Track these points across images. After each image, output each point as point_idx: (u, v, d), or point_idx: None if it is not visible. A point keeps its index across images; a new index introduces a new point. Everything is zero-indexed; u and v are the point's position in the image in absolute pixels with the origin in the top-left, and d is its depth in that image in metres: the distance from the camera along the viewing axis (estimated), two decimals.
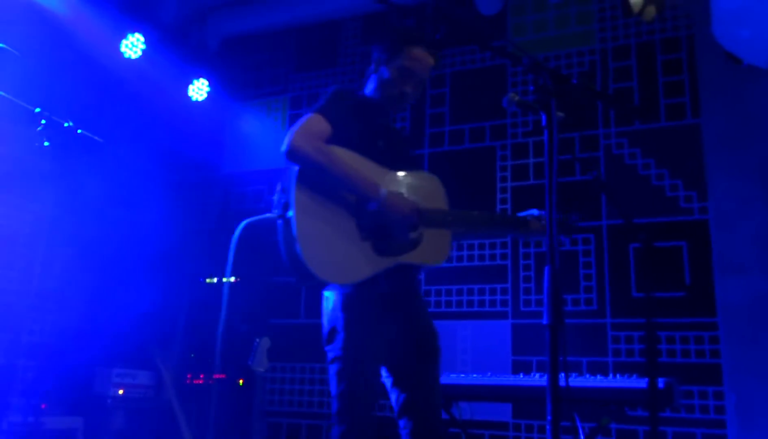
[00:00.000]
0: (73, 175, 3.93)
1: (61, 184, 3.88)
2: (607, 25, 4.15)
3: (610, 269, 3.79)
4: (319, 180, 1.95)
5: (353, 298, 2.00)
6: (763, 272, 3.39)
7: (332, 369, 1.99)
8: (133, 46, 4.39)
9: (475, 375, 2.92)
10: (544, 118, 1.62)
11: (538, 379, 2.78)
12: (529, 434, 3.74)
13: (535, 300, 3.93)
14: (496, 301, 4.01)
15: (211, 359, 3.84)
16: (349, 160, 1.99)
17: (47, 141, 2.73)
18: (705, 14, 3.54)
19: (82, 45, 4.15)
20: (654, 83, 3.93)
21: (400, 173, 2.12)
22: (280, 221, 1.96)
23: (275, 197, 2.00)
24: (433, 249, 2.09)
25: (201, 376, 4.26)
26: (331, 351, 2.01)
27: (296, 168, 1.94)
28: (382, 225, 1.99)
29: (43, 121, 2.73)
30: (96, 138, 2.78)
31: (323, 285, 2.03)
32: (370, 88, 2.22)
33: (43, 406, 3.59)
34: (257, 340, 3.40)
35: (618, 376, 2.69)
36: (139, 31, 4.39)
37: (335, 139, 2.00)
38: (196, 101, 4.80)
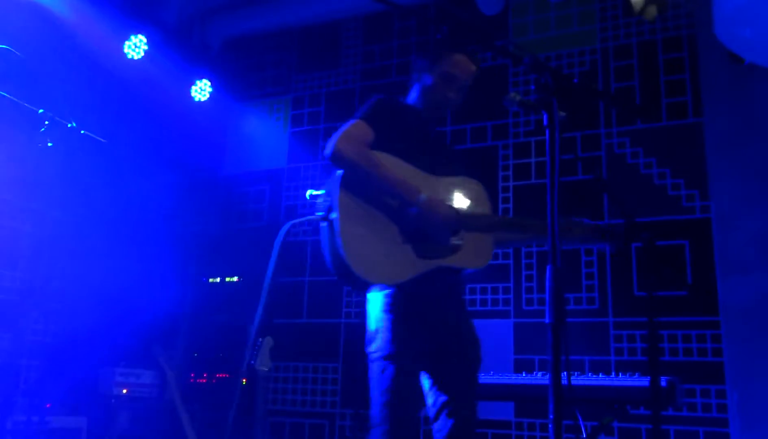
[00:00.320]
0: (76, 175, 3.94)
1: (65, 184, 3.89)
2: (609, 25, 4.15)
3: (612, 268, 3.79)
4: (361, 184, 1.99)
5: (397, 300, 2.03)
6: (765, 271, 3.39)
7: (375, 370, 2.02)
8: (135, 47, 4.40)
9: None
10: (545, 117, 1.63)
11: (540, 378, 2.79)
12: (532, 432, 3.74)
13: (537, 299, 3.93)
14: (498, 300, 4.02)
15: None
16: (391, 165, 2.03)
17: (51, 142, 2.74)
18: (706, 13, 3.54)
19: (85, 46, 4.16)
20: (656, 82, 3.93)
21: (442, 178, 2.14)
22: (324, 223, 2.00)
23: (319, 200, 2.04)
24: (474, 253, 2.10)
25: (204, 375, 4.27)
26: (375, 352, 2.04)
27: (340, 172, 1.99)
28: (423, 229, 2.01)
29: (46, 122, 2.74)
30: (99, 139, 2.80)
31: (366, 286, 2.07)
32: (413, 96, 2.28)
33: (47, 405, 3.60)
34: (260, 339, 3.41)
35: (620, 375, 2.69)
36: (141, 32, 4.40)
37: (378, 145, 2.05)
38: (199, 102, 4.81)
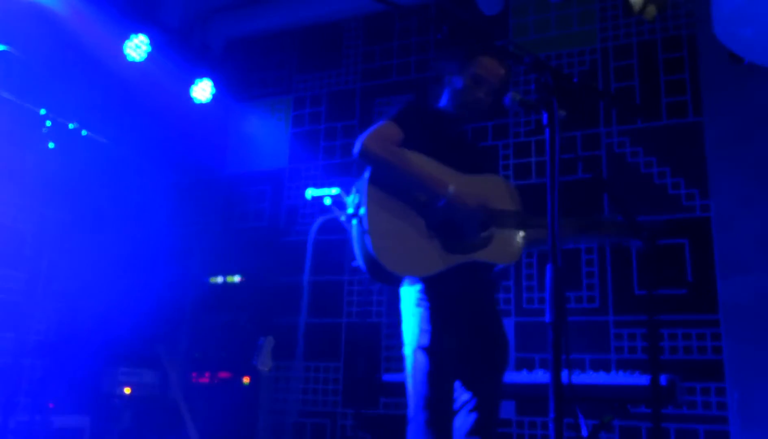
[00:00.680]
0: (78, 175, 3.96)
1: (67, 184, 3.90)
2: (609, 25, 4.16)
3: (613, 266, 3.80)
4: (390, 180, 2.03)
5: (428, 293, 2.05)
6: (765, 269, 3.39)
7: (411, 362, 2.03)
8: (137, 47, 4.40)
9: None
10: (545, 116, 1.64)
11: (541, 376, 2.80)
12: (533, 430, 3.75)
13: (538, 298, 3.94)
14: (498, 298, 4.03)
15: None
16: (420, 162, 2.06)
17: (52, 142, 2.76)
18: (706, 13, 3.54)
19: (87, 47, 4.17)
20: (655, 82, 3.94)
21: (472, 176, 2.16)
22: (354, 220, 2.03)
23: (349, 199, 2.08)
24: (503, 249, 2.11)
25: (206, 375, 4.28)
26: (409, 345, 2.06)
27: (368, 169, 2.04)
28: (451, 222, 2.04)
29: (48, 123, 2.76)
30: (101, 139, 2.81)
31: (396, 281, 2.10)
32: (443, 101, 2.30)
33: (50, 405, 3.61)
34: (262, 339, 3.42)
35: (621, 373, 2.70)
36: (143, 33, 4.40)
37: (408, 145, 2.08)
38: (200, 102, 4.82)
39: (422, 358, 2.00)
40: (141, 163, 4.52)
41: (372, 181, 2.02)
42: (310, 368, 4.44)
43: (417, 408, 1.99)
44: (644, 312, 3.62)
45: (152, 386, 4.12)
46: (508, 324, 3.97)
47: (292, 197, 4.82)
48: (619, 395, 2.62)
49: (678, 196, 3.75)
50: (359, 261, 2.05)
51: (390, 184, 2.03)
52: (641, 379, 2.60)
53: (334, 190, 2.57)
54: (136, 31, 4.38)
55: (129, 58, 4.37)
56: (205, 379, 4.26)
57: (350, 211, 2.06)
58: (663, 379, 2.51)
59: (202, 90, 4.78)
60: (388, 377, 3.17)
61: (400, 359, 2.15)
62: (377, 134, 2.06)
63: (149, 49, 4.41)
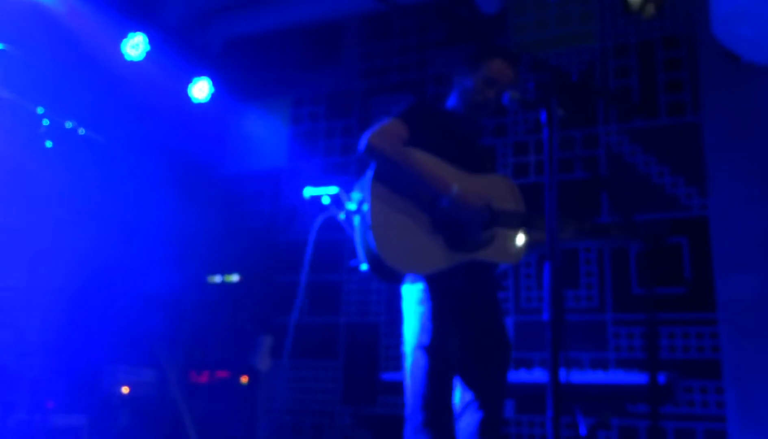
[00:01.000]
0: (76, 175, 3.95)
1: (65, 183, 3.90)
2: (607, 24, 4.16)
3: (611, 265, 3.80)
4: (394, 177, 2.04)
5: (430, 292, 2.05)
6: (763, 268, 3.40)
7: (410, 361, 2.04)
8: (135, 47, 4.40)
9: None
10: (544, 115, 1.64)
11: (539, 375, 2.80)
12: (532, 429, 3.76)
13: (536, 296, 3.95)
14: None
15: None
16: (425, 160, 2.07)
17: (50, 141, 2.75)
18: (704, 12, 3.55)
19: (85, 46, 4.17)
20: (654, 81, 3.94)
21: (477, 176, 2.16)
22: (357, 216, 2.04)
23: (353, 195, 2.08)
24: (506, 249, 2.12)
25: (204, 374, 4.28)
26: (409, 344, 2.06)
27: (373, 166, 2.04)
28: (455, 221, 2.04)
29: (45, 122, 2.75)
30: (98, 138, 2.81)
31: (397, 278, 2.10)
32: (451, 101, 2.31)
33: (49, 404, 3.61)
34: (260, 338, 3.43)
35: (619, 371, 2.71)
36: (142, 32, 4.40)
37: (413, 144, 2.08)
38: (199, 102, 4.81)
39: (422, 357, 2.00)
40: (139, 163, 4.51)
41: (376, 177, 2.03)
42: (309, 367, 4.44)
43: (415, 408, 1.99)
44: (643, 311, 3.62)
45: (151, 385, 4.12)
46: (507, 323, 3.97)
47: (291, 197, 4.81)
48: (618, 393, 2.63)
49: (676, 195, 3.75)
50: (361, 257, 2.05)
51: (394, 182, 2.04)
52: (639, 378, 2.60)
53: (333, 190, 2.57)
54: (135, 30, 4.37)
55: (127, 57, 4.37)
56: (203, 378, 4.26)
57: (353, 207, 2.06)
58: (661, 378, 2.52)
59: (200, 89, 4.78)
60: (386, 376, 3.17)
61: (399, 358, 2.15)
62: (383, 131, 2.06)
63: (147, 48, 4.41)
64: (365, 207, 1.99)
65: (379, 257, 1.95)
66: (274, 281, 4.60)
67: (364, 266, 2.06)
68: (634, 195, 3.82)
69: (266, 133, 5.01)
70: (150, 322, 4.26)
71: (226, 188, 5.05)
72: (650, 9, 3.58)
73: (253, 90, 5.12)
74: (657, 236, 2.14)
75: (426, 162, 2.06)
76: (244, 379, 4.11)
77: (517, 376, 2.84)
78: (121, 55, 4.37)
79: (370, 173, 2.04)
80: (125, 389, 3.98)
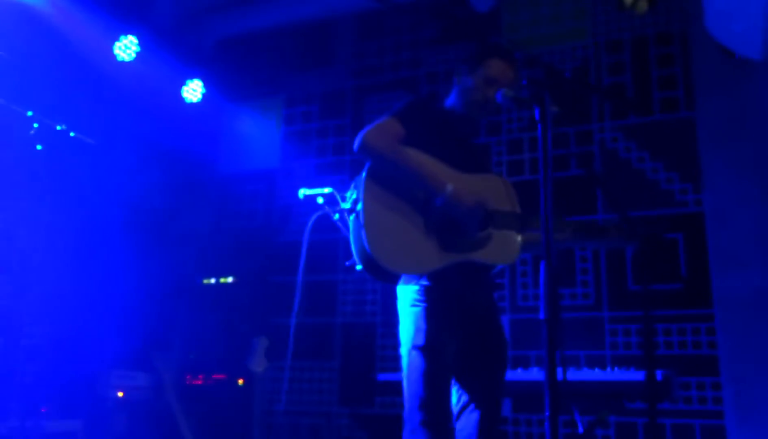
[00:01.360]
0: (68, 177, 3.92)
1: (57, 187, 3.87)
2: (600, 20, 4.15)
3: (607, 262, 3.80)
4: (388, 175, 2.03)
5: (425, 293, 2.04)
6: (759, 263, 3.40)
7: (407, 362, 2.03)
8: (126, 48, 4.37)
9: None
10: (538, 113, 1.63)
11: (536, 373, 2.79)
12: (529, 428, 3.75)
13: (533, 295, 3.94)
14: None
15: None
16: (420, 160, 2.05)
17: (40, 144, 2.73)
18: (698, 8, 3.55)
19: (76, 47, 4.14)
20: (647, 77, 3.94)
21: (472, 175, 2.15)
22: (351, 216, 2.03)
23: (348, 194, 2.07)
24: (501, 249, 2.10)
25: (200, 377, 4.26)
26: (404, 345, 2.05)
27: (367, 165, 2.03)
28: (449, 220, 2.03)
29: (35, 125, 2.73)
30: (89, 140, 2.78)
31: (391, 278, 2.09)
32: (450, 100, 2.30)
33: (42, 409, 3.58)
34: (255, 340, 3.40)
35: (616, 369, 2.70)
36: (132, 33, 4.37)
37: (409, 143, 2.07)
38: (191, 103, 4.79)
39: (417, 357, 1.99)
40: (132, 164, 4.48)
41: (370, 176, 2.02)
42: (305, 368, 4.42)
43: (412, 409, 1.98)
44: (639, 308, 3.62)
45: (145, 389, 4.09)
46: (503, 321, 3.96)
47: (284, 197, 4.79)
48: (615, 391, 2.62)
49: (671, 191, 3.75)
50: (356, 257, 2.04)
51: (388, 180, 2.03)
52: (636, 375, 2.59)
53: (327, 189, 2.55)
54: (126, 31, 4.34)
55: (119, 59, 4.34)
56: (199, 381, 4.24)
57: (348, 206, 2.05)
58: (658, 374, 2.51)
59: (192, 90, 4.76)
60: (383, 377, 3.16)
61: (395, 358, 2.14)
62: (378, 130, 2.05)
63: (138, 49, 4.38)
64: (359, 206, 1.98)
65: (372, 256, 1.94)
66: (268, 281, 4.57)
67: (359, 266, 2.05)
68: (629, 192, 3.81)
69: (259, 134, 4.98)
70: (144, 324, 4.24)
71: (219, 189, 5.02)
72: (643, 5, 3.57)
73: (246, 90, 5.10)
74: (655, 234, 2.13)
75: (421, 161, 2.05)
76: (240, 381, 4.09)
77: (514, 374, 2.83)
78: (113, 57, 4.34)
79: (363, 170, 2.03)
80: (120, 393, 3.95)
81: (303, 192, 2.64)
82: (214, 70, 4.95)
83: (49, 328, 4.03)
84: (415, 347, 2.01)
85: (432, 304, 2.03)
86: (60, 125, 2.76)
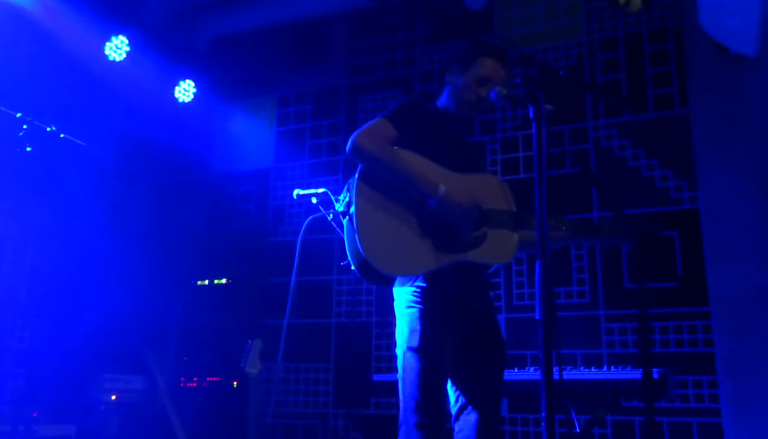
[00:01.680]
0: (59, 179, 3.89)
1: (48, 188, 3.83)
2: (594, 17, 4.14)
3: (602, 260, 3.79)
4: (381, 177, 2.02)
5: (421, 295, 2.03)
6: (754, 260, 3.39)
7: (403, 364, 2.01)
8: (117, 48, 4.34)
9: None
10: (532, 111, 1.61)
11: (532, 373, 2.78)
12: (526, 427, 3.73)
13: (528, 294, 3.92)
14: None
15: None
16: (413, 161, 2.05)
17: (29, 146, 2.70)
18: (691, 4, 3.54)
19: (66, 48, 4.10)
20: (642, 74, 3.93)
21: (467, 175, 2.13)
22: (345, 219, 2.02)
23: (341, 196, 2.07)
24: (496, 249, 2.09)
25: (195, 379, 4.23)
26: (400, 347, 2.04)
27: (359, 167, 2.02)
28: (443, 221, 2.01)
29: (24, 126, 2.69)
30: (79, 142, 2.75)
31: (386, 281, 2.09)
32: (442, 100, 2.29)
33: (34, 414, 3.54)
34: (249, 342, 3.38)
35: (612, 368, 2.69)
36: (123, 34, 4.34)
37: (402, 145, 2.06)
38: (183, 102, 4.76)
39: (412, 359, 1.98)
40: (124, 165, 4.45)
41: (363, 179, 2.01)
42: (300, 369, 4.39)
43: (407, 411, 1.96)
44: (635, 306, 3.61)
45: (139, 392, 4.06)
46: (499, 321, 3.94)
47: (278, 197, 4.77)
48: (612, 389, 2.61)
49: (666, 189, 3.74)
50: (350, 259, 2.03)
51: (381, 183, 2.02)
52: (633, 373, 2.58)
53: (321, 190, 2.54)
54: (117, 31, 4.31)
55: (109, 59, 4.31)
56: (193, 383, 4.21)
57: (341, 208, 2.04)
58: (655, 373, 2.50)
59: (184, 90, 4.73)
60: (378, 377, 3.14)
61: (391, 359, 2.12)
62: (370, 131, 2.04)
63: (129, 49, 4.35)
64: (352, 209, 1.97)
65: (366, 259, 1.93)
66: (263, 283, 4.55)
67: (354, 267, 2.03)
68: (624, 189, 3.80)
69: (252, 134, 4.96)
70: (138, 327, 4.20)
71: (212, 190, 4.99)
72: (637, 1, 3.56)
73: (238, 89, 5.07)
74: (650, 232, 2.12)
75: (413, 162, 2.04)
76: (234, 383, 4.07)
77: (510, 374, 2.81)
78: (104, 57, 4.31)
79: (356, 173, 2.02)
80: (113, 397, 3.92)
81: (297, 192, 2.62)
82: (206, 69, 4.92)
83: (41, 331, 3.99)
84: (410, 349, 1.99)
85: (427, 305, 2.02)
86: (50, 127, 2.72)
